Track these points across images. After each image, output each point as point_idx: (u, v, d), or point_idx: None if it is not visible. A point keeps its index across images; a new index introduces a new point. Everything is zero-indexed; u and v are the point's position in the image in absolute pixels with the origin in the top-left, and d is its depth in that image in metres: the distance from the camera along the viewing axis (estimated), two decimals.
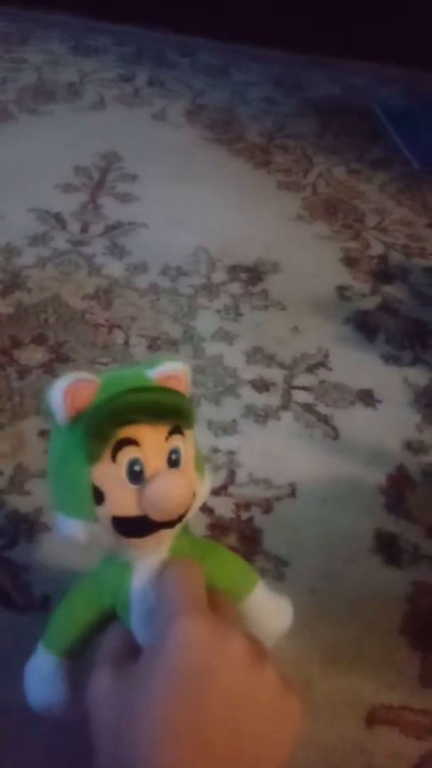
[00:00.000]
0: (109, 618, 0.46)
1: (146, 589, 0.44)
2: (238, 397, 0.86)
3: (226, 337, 0.95)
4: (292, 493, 0.76)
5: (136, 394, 0.41)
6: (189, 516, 0.44)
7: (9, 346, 0.88)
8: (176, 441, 0.43)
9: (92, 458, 0.40)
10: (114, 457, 0.41)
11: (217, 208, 1.24)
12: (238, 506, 0.74)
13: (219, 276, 1.07)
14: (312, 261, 1.14)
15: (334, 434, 0.83)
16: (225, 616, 0.43)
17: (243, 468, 0.78)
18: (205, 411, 0.83)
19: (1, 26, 1.87)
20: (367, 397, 0.89)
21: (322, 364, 0.93)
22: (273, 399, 0.86)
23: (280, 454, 0.80)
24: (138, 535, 0.42)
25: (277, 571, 0.68)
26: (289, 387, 0.89)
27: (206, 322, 0.97)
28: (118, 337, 0.92)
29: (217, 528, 0.71)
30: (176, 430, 0.43)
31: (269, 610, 0.50)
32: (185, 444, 0.44)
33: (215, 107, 1.62)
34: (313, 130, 1.58)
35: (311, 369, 0.92)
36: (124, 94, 1.62)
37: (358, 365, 0.94)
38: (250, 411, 0.84)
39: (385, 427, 0.86)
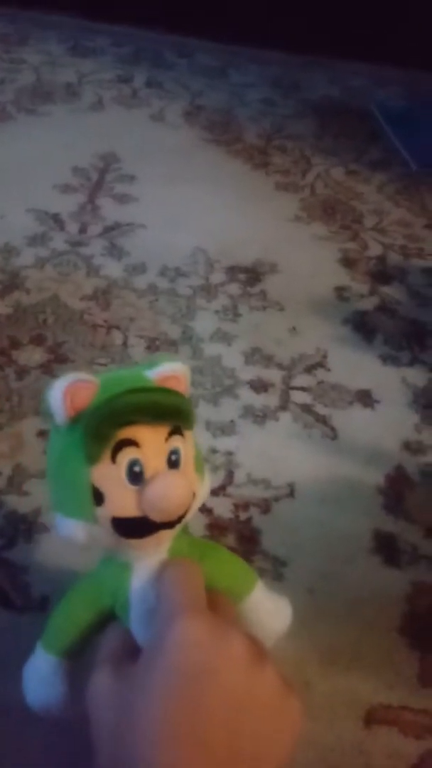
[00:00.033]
0: (108, 618, 0.46)
1: (145, 589, 0.44)
2: (237, 398, 0.86)
3: (225, 337, 0.95)
4: (291, 494, 0.76)
5: (135, 394, 0.41)
6: (188, 517, 0.44)
7: (7, 346, 0.88)
8: (176, 442, 0.43)
9: (92, 459, 0.40)
10: (114, 458, 0.40)
11: (216, 209, 1.24)
12: (236, 506, 0.74)
13: (217, 277, 1.07)
14: (310, 262, 1.14)
15: (333, 435, 0.83)
16: (224, 617, 0.43)
17: (241, 468, 0.78)
18: (203, 411, 0.83)
19: (0, 27, 1.87)
20: (365, 398, 0.89)
21: (321, 364, 0.93)
22: (271, 399, 0.87)
23: (278, 454, 0.80)
24: (138, 535, 0.42)
25: (275, 572, 0.68)
26: (288, 387, 0.89)
27: (205, 322, 0.97)
28: (117, 337, 0.92)
29: (216, 528, 0.71)
30: (176, 431, 0.43)
31: (268, 610, 0.50)
32: (185, 445, 0.43)
33: (213, 108, 1.62)
34: (312, 131, 1.58)
35: (309, 369, 0.92)
36: (122, 95, 1.62)
37: (357, 366, 0.94)
38: (248, 411, 0.84)
39: (383, 427, 0.86)
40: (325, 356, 0.94)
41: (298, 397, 0.88)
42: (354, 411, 0.87)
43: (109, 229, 1.14)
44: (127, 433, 0.41)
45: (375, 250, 1.19)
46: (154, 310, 0.98)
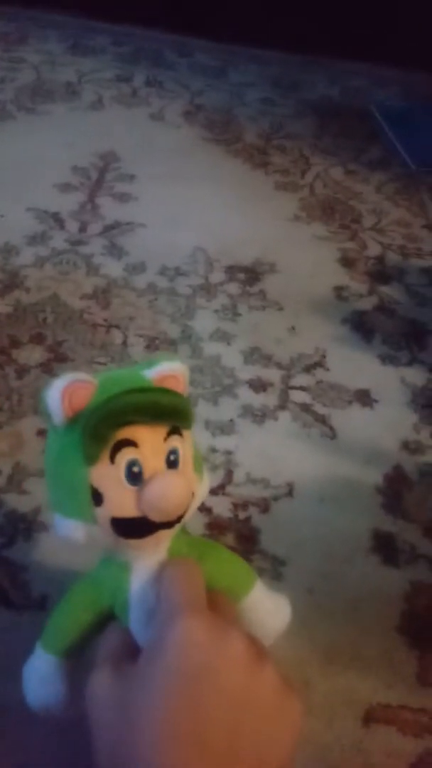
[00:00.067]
0: (107, 618, 0.46)
1: (145, 589, 0.44)
2: (236, 397, 0.86)
3: (224, 337, 0.95)
4: (290, 493, 0.76)
5: (134, 395, 0.41)
6: (188, 516, 0.44)
7: (7, 345, 0.88)
8: (175, 442, 0.43)
9: (90, 459, 0.40)
10: (112, 459, 0.40)
11: (215, 209, 1.24)
12: (235, 506, 0.74)
13: (217, 276, 1.07)
14: (309, 261, 1.14)
15: (332, 434, 0.84)
16: (224, 616, 0.43)
17: (240, 468, 0.78)
18: (202, 411, 0.83)
19: (0, 26, 1.87)
20: (364, 397, 0.89)
21: (320, 364, 0.93)
22: (270, 399, 0.87)
23: (277, 453, 0.80)
24: (137, 536, 0.42)
25: (274, 571, 0.68)
26: (287, 387, 0.89)
27: (204, 322, 0.97)
28: (117, 336, 0.92)
29: (215, 527, 0.71)
30: (174, 431, 0.43)
31: (268, 609, 0.50)
32: (184, 444, 0.43)
33: (213, 108, 1.62)
34: (311, 131, 1.58)
35: (308, 369, 0.92)
36: (122, 94, 1.62)
37: (356, 365, 0.94)
38: (247, 411, 0.85)
39: (382, 427, 0.86)
40: (324, 356, 0.94)
41: (297, 396, 0.88)
42: (353, 410, 0.87)
43: (109, 228, 1.14)
44: (125, 433, 0.40)
45: (374, 249, 1.19)
46: (153, 310, 0.98)
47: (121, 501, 0.41)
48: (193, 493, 0.43)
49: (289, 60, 1.91)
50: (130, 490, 0.41)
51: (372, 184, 1.40)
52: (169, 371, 0.44)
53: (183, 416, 0.43)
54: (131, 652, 0.42)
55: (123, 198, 1.23)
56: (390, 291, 1.10)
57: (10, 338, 0.89)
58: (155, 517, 0.41)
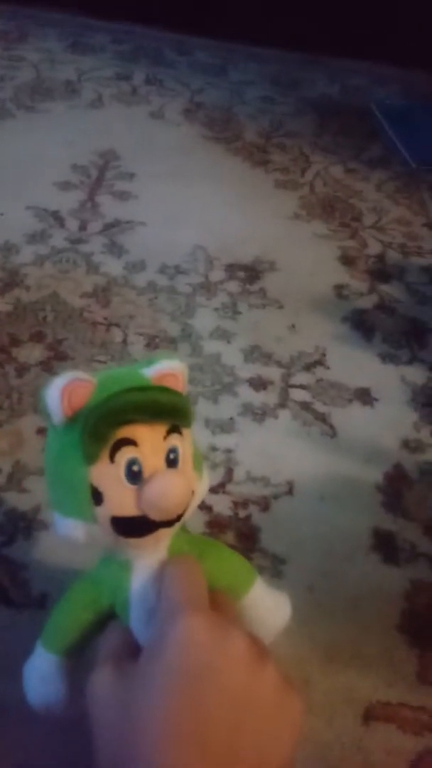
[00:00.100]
0: (108, 617, 0.46)
1: (146, 588, 0.44)
2: (236, 396, 0.86)
3: (224, 335, 0.95)
4: (290, 491, 0.76)
5: (133, 393, 0.41)
6: (187, 515, 0.44)
7: (7, 343, 0.88)
8: (174, 440, 0.43)
9: (90, 458, 0.40)
10: (112, 458, 0.40)
11: (215, 207, 1.24)
12: (235, 504, 0.74)
13: (217, 274, 1.07)
14: (309, 260, 1.14)
15: (332, 432, 0.84)
16: (225, 615, 0.43)
17: (240, 466, 0.78)
18: (202, 409, 0.83)
19: None
20: (364, 396, 0.89)
21: (320, 362, 0.93)
22: (270, 397, 0.87)
23: (277, 452, 0.80)
24: (137, 534, 0.42)
25: (274, 569, 0.68)
26: (287, 385, 0.89)
27: (204, 320, 0.97)
28: (117, 335, 0.92)
29: (215, 526, 0.71)
30: (174, 430, 0.43)
31: (268, 606, 0.50)
32: (183, 443, 0.43)
33: (213, 106, 1.62)
34: (311, 129, 1.58)
35: (309, 367, 0.92)
36: (121, 92, 1.62)
37: (356, 364, 0.94)
38: (247, 409, 0.85)
39: (382, 425, 0.86)
40: (324, 354, 0.94)
41: (298, 394, 0.88)
42: (353, 409, 0.87)
43: (109, 227, 1.14)
44: (125, 432, 0.40)
45: (374, 248, 1.19)
46: (153, 308, 0.98)
47: (121, 500, 0.41)
48: (192, 492, 0.43)
49: (289, 58, 1.91)
50: (129, 489, 0.40)
51: (372, 182, 1.40)
52: (168, 370, 0.44)
53: (182, 415, 0.43)
54: (132, 651, 0.42)
55: (123, 196, 1.22)
56: (390, 289, 1.10)
57: (10, 336, 0.89)
58: (155, 515, 0.41)
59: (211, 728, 0.35)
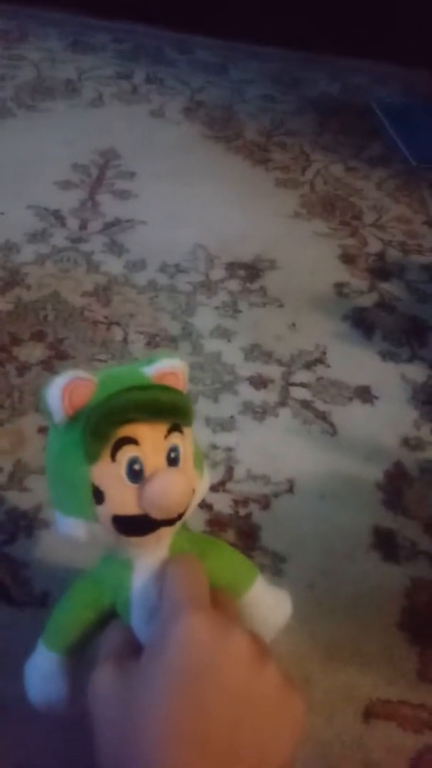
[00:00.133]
0: (109, 616, 0.46)
1: (147, 587, 0.44)
2: (236, 394, 0.86)
3: (225, 334, 0.95)
4: (290, 490, 0.76)
5: (135, 392, 0.41)
6: (189, 513, 0.44)
7: (8, 343, 0.88)
8: (175, 439, 0.42)
9: (91, 457, 0.40)
10: (113, 456, 0.40)
11: (216, 206, 1.24)
12: (236, 502, 0.74)
13: (217, 273, 1.07)
14: (310, 258, 1.14)
15: (332, 431, 0.84)
16: (226, 614, 0.43)
17: (241, 464, 0.78)
18: (203, 408, 0.83)
19: (0, 23, 1.87)
20: (364, 394, 0.89)
21: (320, 360, 0.93)
22: (271, 396, 0.87)
23: (278, 450, 0.80)
24: (138, 533, 0.42)
25: (275, 567, 0.68)
26: (287, 384, 0.89)
27: (204, 319, 0.97)
28: (117, 334, 0.92)
29: (216, 524, 0.71)
30: (175, 428, 0.43)
31: (269, 605, 0.50)
32: (184, 442, 0.43)
33: (213, 104, 1.62)
34: (312, 128, 1.58)
35: (309, 366, 0.92)
36: (122, 91, 1.62)
37: (356, 362, 0.94)
38: (248, 408, 0.85)
39: (382, 423, 0.86)
40: (324, 352, 0.94)
41: (298, 393, 0.88)
42: (353, 407, 0.87)
43: (110, 226, 1.14)
44: (126, 431, 0.40)
45: (374, 246, 1.19)
46: (154, 307, 0.98)
47: (123, 499, 0.41)
48: (193, 490, 0.43)
49: (290, 57, 1.91)
50: (131, 487, 0.40)
51: (372, 180, 1.40)
52: (168, 368, 0.44)
53: (183, 413, 0.43)
54: (133, 649, 0.42)
55: (123, 195, 1.23)
56: (390, 287, 1.10)
57: (11, 336, 0.89)
58: (156, 514, 0.41)
59: (212, 727, 0.35)
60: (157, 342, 0.92)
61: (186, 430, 0.44)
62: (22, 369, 0.85)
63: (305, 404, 0.86)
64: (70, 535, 0.43)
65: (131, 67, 1.75)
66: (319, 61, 1.91)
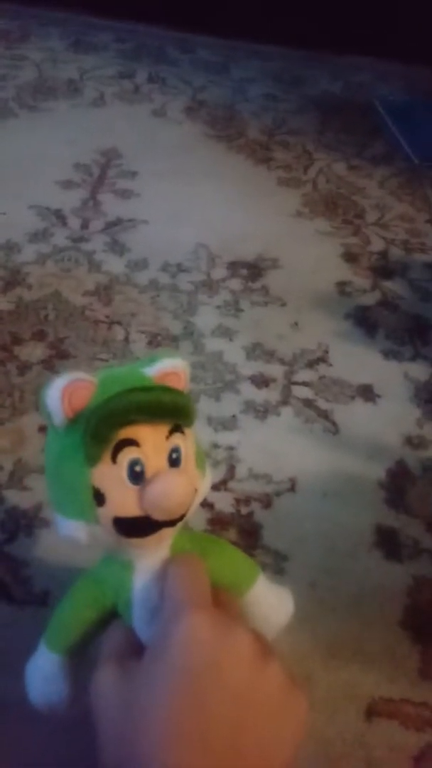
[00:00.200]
0: (110, 616, 0.46)
1: (148, 587, 0.44)
2: (238, 393, 0.86)
3: (226, 333, 0.95)
4: (292, 488, 0.76)
5: (135, 394, 0.40)
6: (190, 513, 0.43)
7: (9, 342, 0.88)
8: (176, 440, 0.42)
9: (92, 460, 0.40)
10: (114, 458, 0.40)
11: (218, 205, 1.24)
12: (237, 501, 0.74)
13: (219, 272, 1.07)
14: (312, 257, 1.14)
15: (334, 429, 0.83)
16: (228, 612, 0.43)
17: (243, 463, 0.78)
18: (205, 407, 0.83)
19: (2, 23, 1.87)
20: (367, 393, 0.89)
21: (322, 359, 0.93)
22: (273, 394, 0.87)
23: (279, 449, 0.80)
24: (140, 535, 0.42)
25: (277, 566, 0.68)
26: (289, 382, 0.89)
27: (206, 318, 0.97)
28: (118, 333, 0.92)
29: (217, 523, 0.71)
30: (176, 429, 0.42)
31: (271, 603, 0.50)
32: (185, 442, 0.43)
33: (215, 104, 1.62)
34: (314, 127, 1.58)
35: (311, 364, 0.92)
36: (124, 91, 1.62)
37: (358, 361, 0.94)
38: (249, 407, 0.85)
39: (385, 422, 0.86)
40: (326, 351, 0.94)
41: (300, 392, 0.88)
42: (355, 406, 0.87)
43: (111, 225, 1.14)
44: (127, 432, 0.40)
45: (377, 245, 1.19)
46: (155, 306, 0.98)
47: (124, 501, 0.40)
48: (195, 490, 0.43)
49: (292, 55, 1.91)
50: (132, 489, 0.40)
51: (375, 179, 1.40)
52: (170, 368, 0.44)
53: (185, 414, 0.43)
54: (135, 650, 0.42)
55: (125, 194, 1.23)
56: (393, 286, 1.09)
57: (12, 335, 0.89)
58: (158, 516, 0.40)
59: (214, 726, 0.35)
60: (158, 341, 0.92)
61: (187, 430, 0.44)
62: (23, 368, 0.85)
63: (307, 403, 0.86)
64: (70, 537, 0.42)
65: (133, 66, 1.75)
66: (321, 59, 1.91)
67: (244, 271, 1.07)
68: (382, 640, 0.63)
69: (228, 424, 0.82)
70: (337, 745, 0.56)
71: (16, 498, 0.71)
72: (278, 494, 0.75)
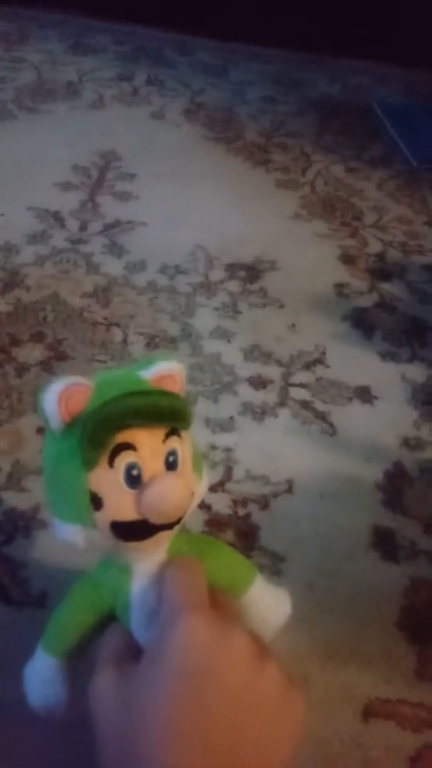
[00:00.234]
0: (108, 619, 0.46)
1: (146, 590, 0.44)
2: (236, 395, 0.86)
3: (224, 334, 0.95)
4: (290, 490, 0.76)
5: (132, 398, 0.40)
6: (187, 516, 0.43)
7: (7, 343, 0.88)
8: (173, 443, 0.42)
9: (89, 464, 0.40)
10: (111, 463, 0.40)
11: (216, 207, 1.24)
12: (235, 502, 0.74)
13: (217, 274, 1.07)
14: (310, 259, 1.14)
15: (332, 431, 0.84)
16: (226, 614, 0.43)
17: (240, 465, 0.78)
18: (202, 408, 0.83)
19: (0, 25, 1.87)
20: (364, 394, 0.89)
21: (320, 361, 0.93)
22: (270, 396, 0.87)
23: (277, 450, 0.80)
24: (137, 538, 0.42)
25: (274, 567, 0.68)
26: (287, 384, 0.89)
27: (204, 319, 0.97)
28: (117, 335, 0.92)
29: (214, 524, 0.71)
30: (173, 432, 0.42)
31: (268, 604, 0.50)
32: (182, 445, 0.43)
33: (214, 106, 1.62)
34: (312, 129, 1.58)
35: (309, 366, 0.92)
36: (122, 93, 1.62)
37: (356, 362, 0.94)
38: (247, 408, 0.85)
39: (382, 423, 0.86)
40: (324, 353, 0.94)
41: (297, 393, 0.88)
42: (353, 407, 0.87)
43: (110, 227, 1.14)
44: (124, 437, 0.40)
45: (375, 247, 1.19)
46: (153, 308, 0.98)
47: (121, 505, 0.40)
48: (192, 493, 0.43)
49: (290, 58, 1.91)
50: (129, 493, 0.40)
51: (373, 181, 1.40)
52: (166, 371, 0.44)
53: (182, 418, 0.43)
54: (133, 653, 0.42)
55: (123, 197, 1.23)
56: (391, 288, 1.10)
57: (11, 336, 0.89)
58: (155, 519, 0.41)
59: (213, 727, 0.36)
60: (156, 343, 0.92)
61: (184, 433, 0.44)
62: (21, 370, 0.85)
63: (305, 404, 0.86)
64: (68, 540, 0.42)
65: (132, 68, 1.75)
66: (320, 62, 1.91)
67: (242, 273, 1.08)
68: (379, 641, 0.64)
69: (225, 425, 0.82)
70: (334, 746, 0.56)
71: (14, 499, 0.71)
72: (275, 495, 0.75)
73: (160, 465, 0.41)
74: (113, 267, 1.05)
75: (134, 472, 0.40)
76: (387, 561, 0.71)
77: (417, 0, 1.82)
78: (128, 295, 0.99)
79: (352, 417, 0.86)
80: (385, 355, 0.96)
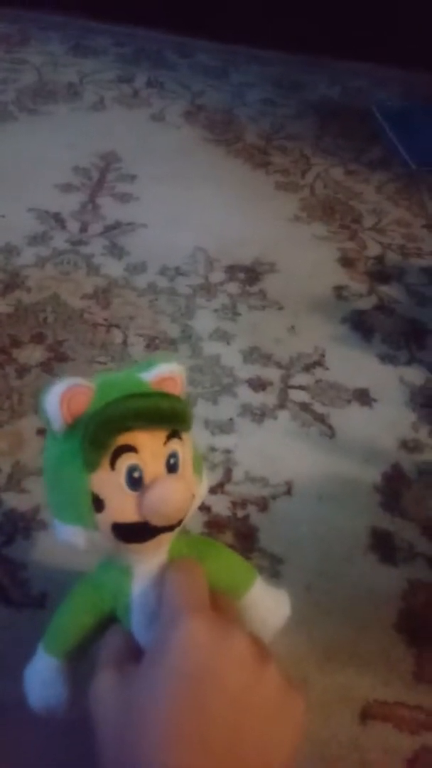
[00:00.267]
0: (109, 620, 0.46)
1: (146, 593, 0.44)
2: (235, 396, 0.87)
3: (224, 336, 0.95)
4: (288, 492, 0.76)
5: (133, 400, 0.41)
6: (188, 518, 0.44)
7: (8, 345, 0.89)
8: (174, 445, 0.42)
9: (91, 466, 0.40)
10: (113, 465, 0.40)
11: (216, 209, 1.24)
12: (234, 504, 0.74)
13: (217, 276, 1.07)
14: (309, 261, 1.14)
15: (331, 433, 0.84)
16: (226, 616, 0.43)
17: (239, 466, 0.78)
18: (202, 410, 0.84)
19: (2, 27, 1.87)
20: (363, 397, 0.89)
21: (319, 363, 0.93)
22: (270, 398, 0.87)
23: (276, 452, 0.81)
24: (138, 540, 0.42)
25: (272, 569, 0.69)
26: (286, 386, 0.89)
27: (204, 321, 0.98)
28: (117, 336, 0.93)
29: (214, 526, 0.72)
30: (174, 434, 0.43)
31: (268, 606, 0.50)
32: (183, 447, 0.43)
33: (214, 108, 1.62)
34: (312, 132, 1.58)
35: (308, 368, 0.92)
36: (123, 95, 1.62)
37: (355, 365, 0.94)
38: (246, 410, 0.85)
39: (381, 426, 0.86)
40: (323, 355, 0.95)
41: (297, 395, 0.88)
42: (352, 410, 0.88)
43: (110, 229, 1.14)
44: (125, 439, 0.40)
45: (374, 249, 1.20)
46: (153, 309, 0.98)
47: (122, 507, 0.40)
48: (193, 496, 0.43)
49: (290, 60, 1.91)
50: (130, 495, 0.40)
51: (372, 184, 1.40)
52: (167, 373, 0.44)
53: (182, 420, 0.43)
54: (133, 654, 0.42)
55: (124, 198, 1.23)
56: (389, 290, 1.10)
57: (11, 338, 0.90)
58: (156, 521, 0.41)
59: (213, 729, 0.36)
60: (156, 344, 0.92)
61: (185, 435, 0.44)
62: (22, 371, 0.85)
63: (304, 407, 0.87)
64: (69, 542, 0.43)
65: (132, 70, 1.75)
66: (320, 64, 1.91)
67: (242, 275, 1.08)
68: (377, 643, 0.64)
69: (225, 427, 0.82)
70: (332, 748, 0.56)
71: (14, 500, 0.71)
72: (274, 497, 0.75)
73: (161, 467, 0.42)
74: (113, 268, 1.05)
75: (135, 474, 0.40)
76: (385, 563, 0.71)
77: (417, 2, 1.82)
78: (128, 296, 1.00)
79: (350, 419, 0.86)
80: (383, 358, 0.96)
